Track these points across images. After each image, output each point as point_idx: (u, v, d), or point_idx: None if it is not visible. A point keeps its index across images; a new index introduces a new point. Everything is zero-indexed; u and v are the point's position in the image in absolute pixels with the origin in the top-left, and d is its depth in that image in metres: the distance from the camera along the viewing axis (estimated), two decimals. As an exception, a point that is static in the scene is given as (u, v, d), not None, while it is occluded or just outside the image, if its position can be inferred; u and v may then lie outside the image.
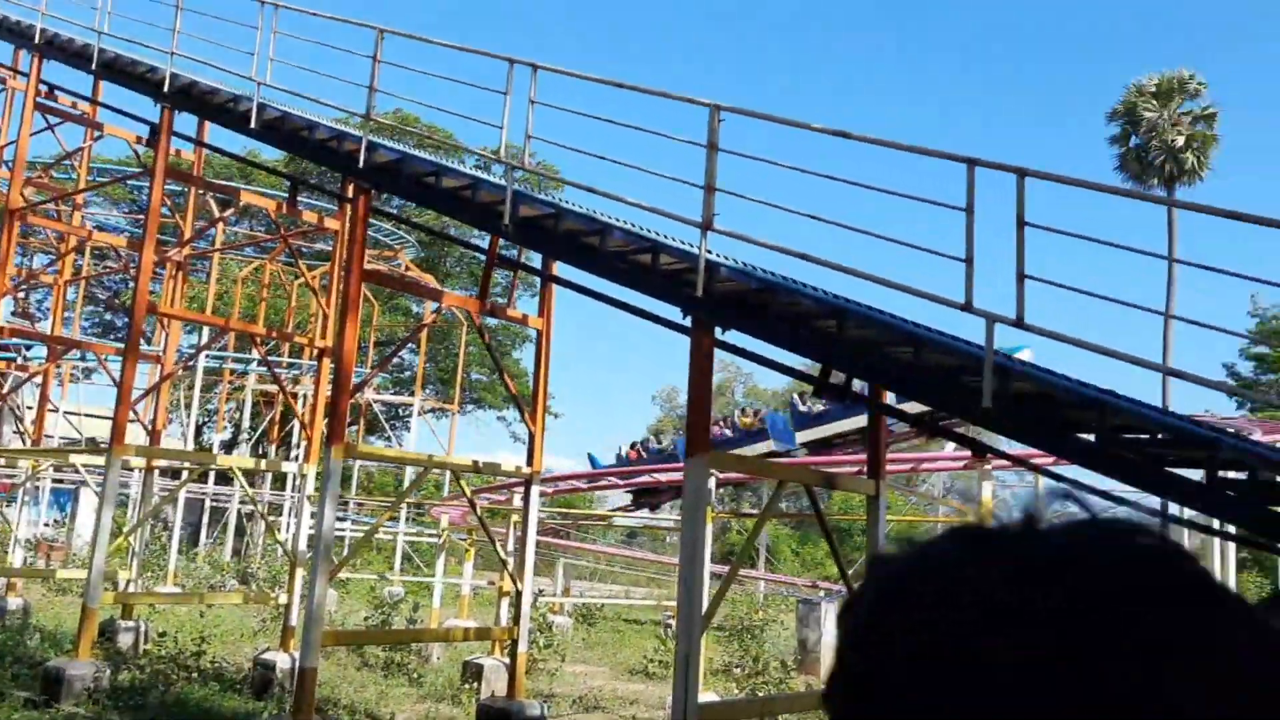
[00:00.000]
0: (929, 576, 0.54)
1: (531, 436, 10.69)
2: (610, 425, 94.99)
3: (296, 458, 27.77)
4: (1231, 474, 6.35)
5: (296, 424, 29.21)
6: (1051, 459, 7.75)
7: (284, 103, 10.90)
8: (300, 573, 12.35)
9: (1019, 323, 5.94)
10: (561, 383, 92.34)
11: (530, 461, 10.61)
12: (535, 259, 11.30)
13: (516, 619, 10.40)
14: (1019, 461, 8.26)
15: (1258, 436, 13.21)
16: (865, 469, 9.03)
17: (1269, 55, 65.57)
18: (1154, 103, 31.49)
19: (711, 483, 15.04)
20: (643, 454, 22.58)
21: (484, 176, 9.46)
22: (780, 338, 7.22)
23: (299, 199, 13.71)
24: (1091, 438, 5.86)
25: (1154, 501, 7.06)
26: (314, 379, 14.67)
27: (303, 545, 12.52)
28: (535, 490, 10.57)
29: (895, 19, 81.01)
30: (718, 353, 7.67)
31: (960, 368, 6.49)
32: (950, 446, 15.97)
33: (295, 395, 26.41)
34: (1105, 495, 7.39)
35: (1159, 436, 6.02)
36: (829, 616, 14.92)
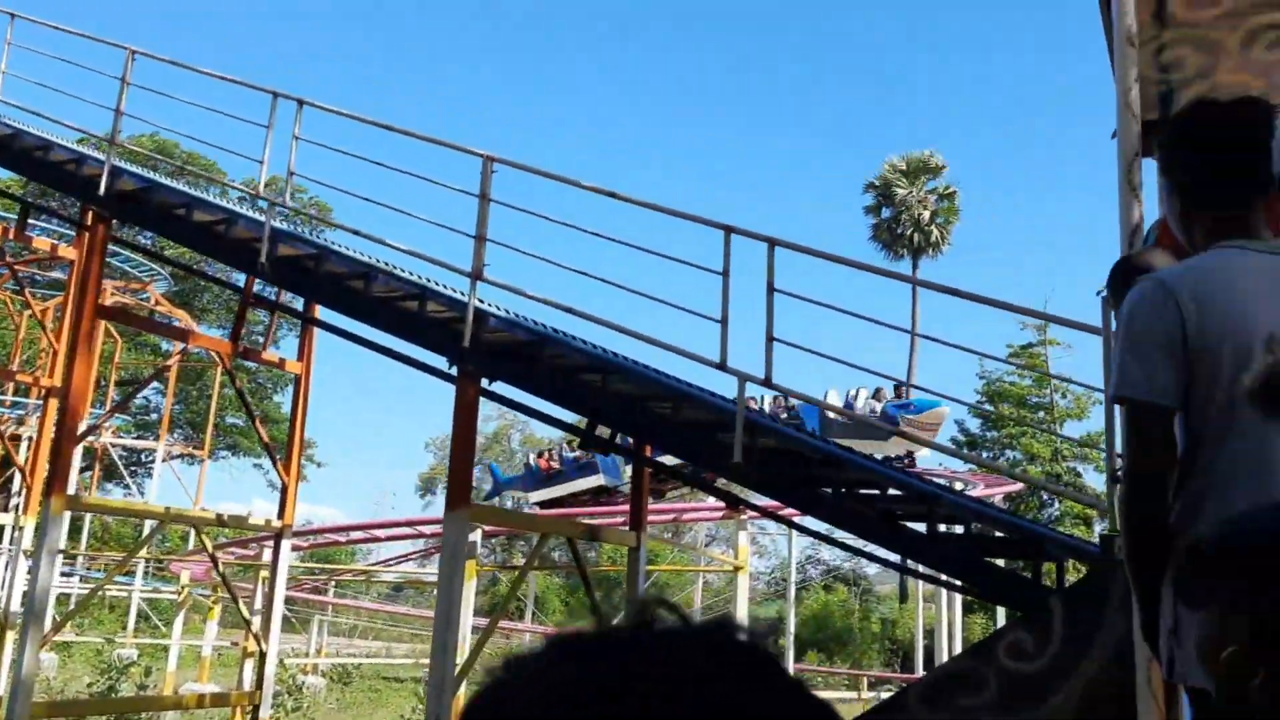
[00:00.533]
0: (525, 686, 0.55)
1: (285, 487, 10.15)
2: (381, 472, 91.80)
3: (16, 507, 24.95)
4: (956, 528, 6.95)
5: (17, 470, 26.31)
6: (796, 512, 8.17)
7: (19, 120, 9.97)
8: (10, 635, 11.04)
9: (766, 382, 6.27)
10: (329, 429, 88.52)
11: (281, 514, 10.06)
12: (300, 300, 10.84)
13: (260, 682, 9.74)
14: (767, 514, 8.67)
15: (978, 491, 14.57)
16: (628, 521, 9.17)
17: (999, 140, 73.71)
18: (904, 179, 34.62)
19: (479, 534, 14.81)
20: (553, 464, 20.45)
21: (241, 211, 8.99)
22: (547, 390, 7.25)
23: (30, 223, 12.51)
24: (829, 491, 6.24)
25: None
26: (39, 421, 13.29)
27: (17, 605, 11.21)
28: (286, 545, 10.01)
29: (680, 81, 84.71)
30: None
31: (716, 423, 6.75)
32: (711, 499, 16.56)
33: (17, 438, 23.85)
34: (846, 547, 7.89)
35: (889, 492, 6.49)
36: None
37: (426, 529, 19.04)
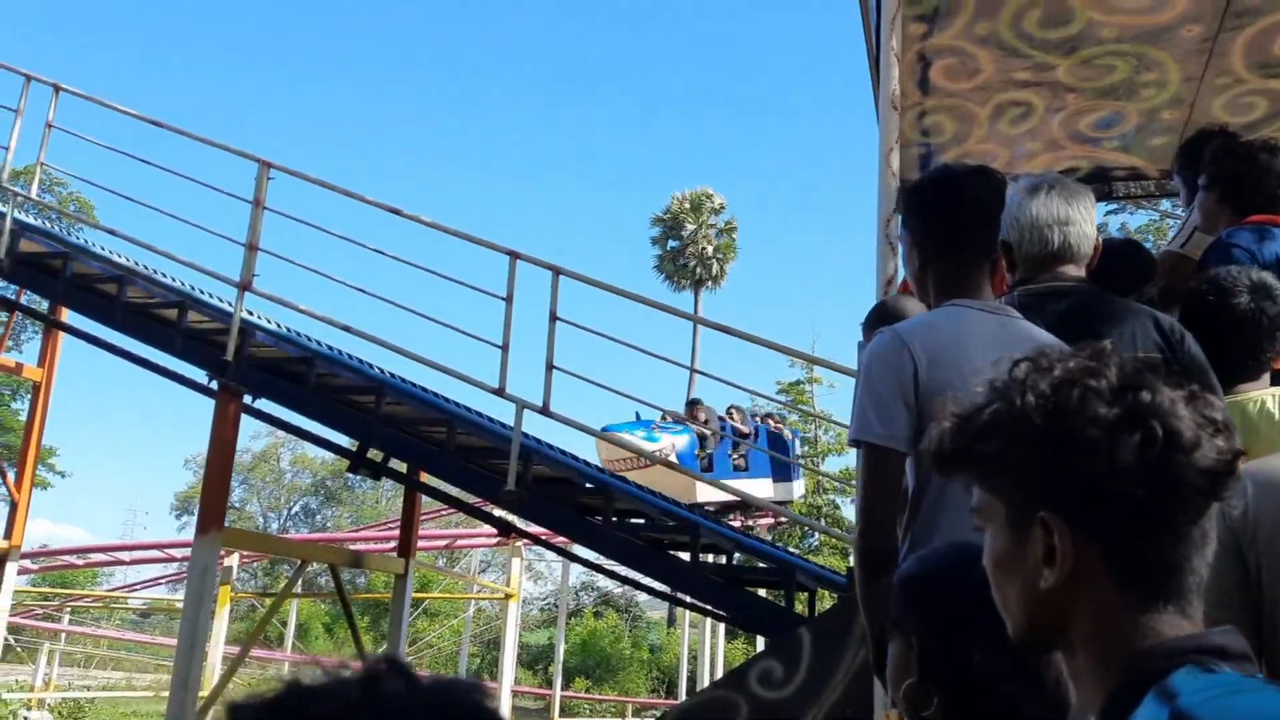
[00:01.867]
0: None
1: (14, 505, 9.21)
2: (132, 490, 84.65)
3: None
4: (719, 557, 7.23)
5: None
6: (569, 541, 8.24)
7: None
8: None
9: (545, 410, 6.31)
10: (76, 437, 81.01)
11: (9, 534, 9.12)
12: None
13: (-30, 722, 8.75)
14: (539, 541, 8.69)
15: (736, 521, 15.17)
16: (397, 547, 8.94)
17: (776, 182, 78.05)
18: (691, 214, 35.97)
19: (235, 559, 13.96)
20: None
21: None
22: (315, 410, 6.98)
23: None
24: (599, 520, 6.34)
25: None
26: None
27: None
28: (12, 568, 9.07)
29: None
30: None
31: (491, 449, 6.72)
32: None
33: None
34: (616, 576, 8.02)
35: (656, 520, 6.68)
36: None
37: (178, 552, 17.74)
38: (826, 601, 8.02)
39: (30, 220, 8.09)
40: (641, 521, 6.52)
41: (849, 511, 33.07)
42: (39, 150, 7.73)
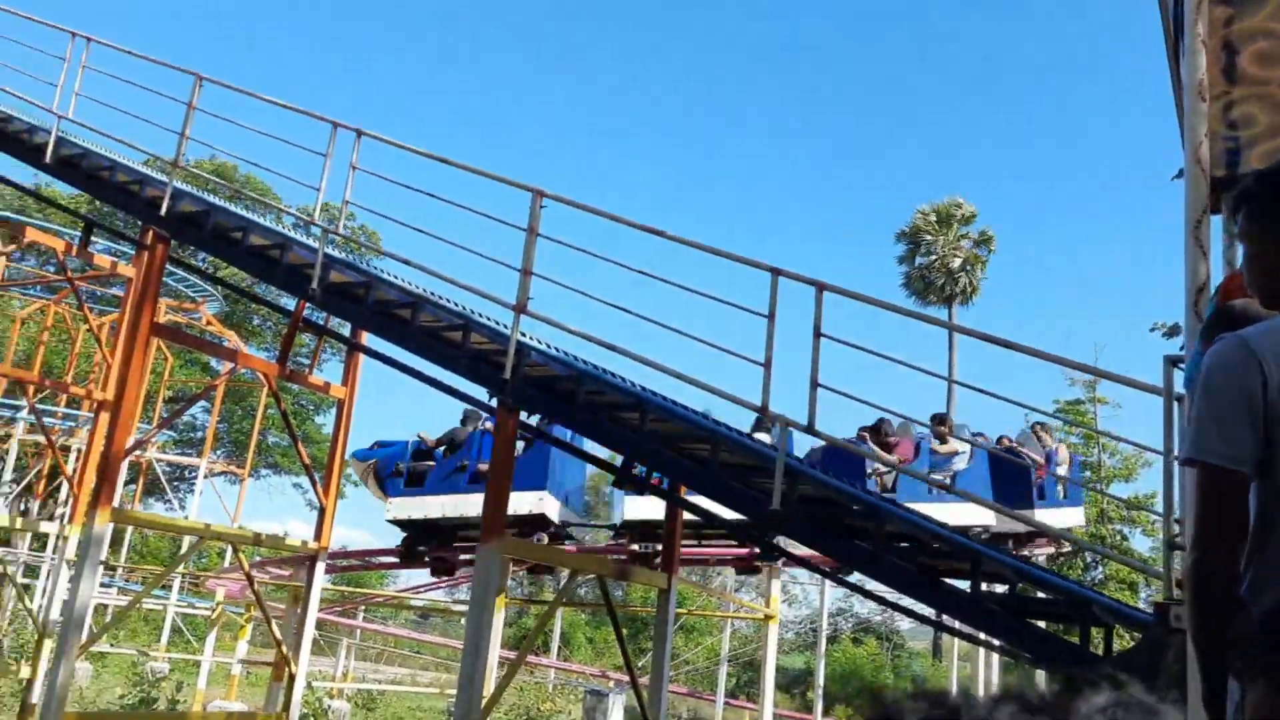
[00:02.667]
0: None
1: (322, 510, 10.22)
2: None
3: (61, 517, 25.37)
4: (998, 586, 6.80)
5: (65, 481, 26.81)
6: (832, 563, 8.05)
7: (87, 140, 10.27)
8: (49, 644, 11.18)
9: (810, 428, 6.21)
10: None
11: (318, 536, 10.12)
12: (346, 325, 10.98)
13: (288, 704, 9.75)
14: (802, 563, 8.55)
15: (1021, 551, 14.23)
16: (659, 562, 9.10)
17: (1026, 188, 73.39)
18: (936, 227, 34.53)
19: (507, 568, 14.72)
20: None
21: (295, 237, 9.16)
22: (584, 426, 7.26)
23: (93, 241, 12.83)
24: (868, 544, 6.14)
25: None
26: (89, 433, 13.54)
27: (58, 613, 11.36)
28: (321, 567, 10.06)
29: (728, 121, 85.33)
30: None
31: (753, 468, 6.70)
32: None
33: (67, 449, 24.31)
34: (883, 601, 7.75)
35: (934, 546, 6.37)
36: (616, 708, 14.78)
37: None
38: (1125, 640, 7.34)
39: (334, 253, 8.99)
40: (910, 545, 6.25)
41: (1140, 544, 30.29)
42: (344, 189, 8.56)
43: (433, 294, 8.42)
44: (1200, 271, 4.00)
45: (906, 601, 6.93)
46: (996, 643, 6.55)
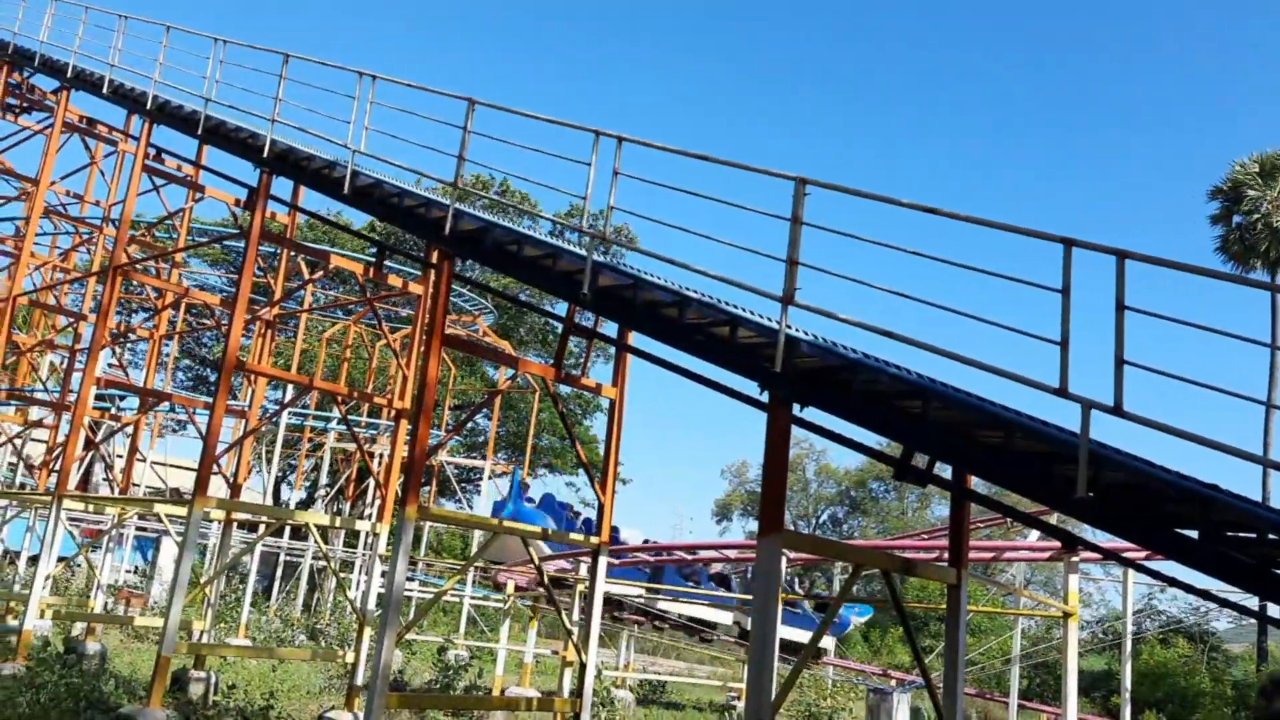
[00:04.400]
0: None
1: (601, 507, 10.58)
2: (677, 494, 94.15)
3: (370, 516, 28.04)
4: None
5: (371, 482, 29.60)
6: (1144, 554, 7.35)
7: (375, 169, 11.24)
8: (368, 631, 12.34)
9: (1117, 409, 5.67)
10: (629, 450, 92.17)
11: (598, 531, 10.49)
12: (611, 328, 11.33)
13: (579, 691, 10.18)
14: (1109, 555, 7.86)
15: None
16: (947, 556, 8.69)
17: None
18: (1259, 181, 30.60)
19: (783, 563, 14.67)
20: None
21: (564, 246, 9.54)
22: (861, 417, 7.03)
23: (385, 263, 14.04)
24: (1193, 533, 5.53)
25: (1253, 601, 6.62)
26: (390, 439, 14.81)
27: (372, 604, 12.53)
28: (603, 560, 10.42)
29: (988, 82, 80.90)
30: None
31: (1052, 455, 6.21)
32: (1034, 536, 15.35)
33: (372, 454, 26.77)
34: (1204, 594, 6.97)
35: (1269, 536, 5.65)
36: (901, 707, 14.31)
37: (731, 553, 19.16)
38: None
39: (601, 259, 9.28)
40: (1252, 536, 5.55)
41: None
42: (609, 194, 8.81)
43: (697, 292, 8.48)
44: None
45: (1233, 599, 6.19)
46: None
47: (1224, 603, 6.68)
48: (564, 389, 27.98)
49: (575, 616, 13.63)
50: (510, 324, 41.41)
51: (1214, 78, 70.99)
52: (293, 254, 16.21)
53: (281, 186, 13.30)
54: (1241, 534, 5.66)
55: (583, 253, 8.80)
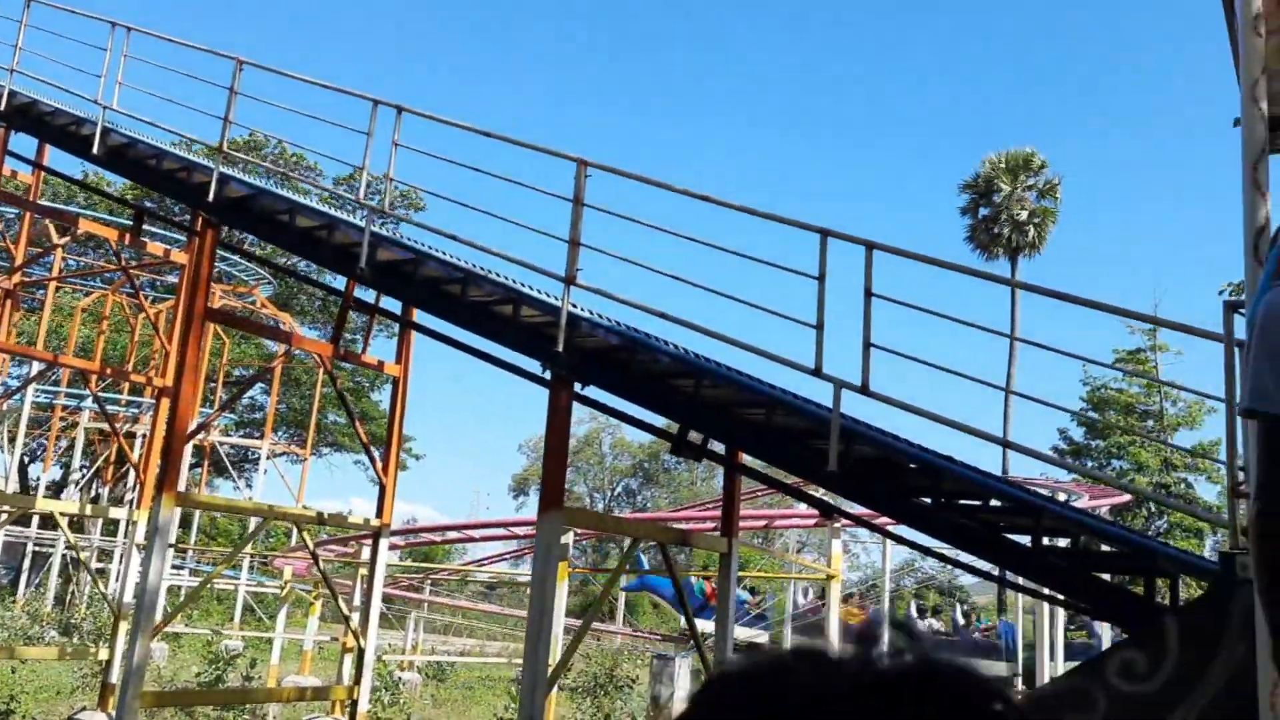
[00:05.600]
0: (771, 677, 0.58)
1: (382, 488, 10.35)
2: (474, 472, 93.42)
3: (130, 502, 26.12)
4: (1060, 540, 6.68)
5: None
6: (892, 521, 7.96)
7: (132, 129, 10.41)
8: (124, 626, 11.53)
9: (864, 389, 6.12)
10: (425, 426, 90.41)
11: (380, 513, 10.26)
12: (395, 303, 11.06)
13: (359, 677, 9.96)
14: (862, 522, 8.49)
15: (1083, 502, 14.03)
16: (719, 526, 9.09)
17: (1103, 134, 71.39)
18: (1005, 177, 33.50)
19: (570, 536, 14.88)
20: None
21: (341, 216, 9.21)
22: (639, 395, 7.23)
23: (145, 229, 13.06)
24: (928, 502, 6.06)
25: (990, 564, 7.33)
26: (152, 419, 13.86)
27: (129, 596, 11.71)
28: (385, 543, 10.21)
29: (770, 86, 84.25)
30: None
31: (809, 430, 6.63)
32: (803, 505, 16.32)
33: (132, 435, 24.95)
34: (943, 558, 7.67)
35: (992, 503, 6.27)
36: (682, 670, 14.90)
37: (519, 530, 19.23)
38: (1193, 589, 7.18)
39: (382, 231, 9.02)
40: (977, 504, 6.14)
41: (1206, 491, 29.66)
42: (388, 166, 8.57)
43: (481, 268, 8.42)
44: (1260, 213, 3.84)
45: (970, 558, 6.84)
46: (1060, 596, 6.44)
47: (956, 563, 7.37)
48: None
49: (356, 600, 13.28)
50: (290, 295, 39.50)
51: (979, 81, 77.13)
52: (37, 217, 14.78)
53: (24, 144, 12.11)
54: (969, 502, 6.26)
55: (361, 224, 8.54)
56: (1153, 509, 28.75)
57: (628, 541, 8.59)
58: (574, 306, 7.49)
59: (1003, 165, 33.72)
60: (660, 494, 64.39)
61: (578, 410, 8.23)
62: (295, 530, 19.37)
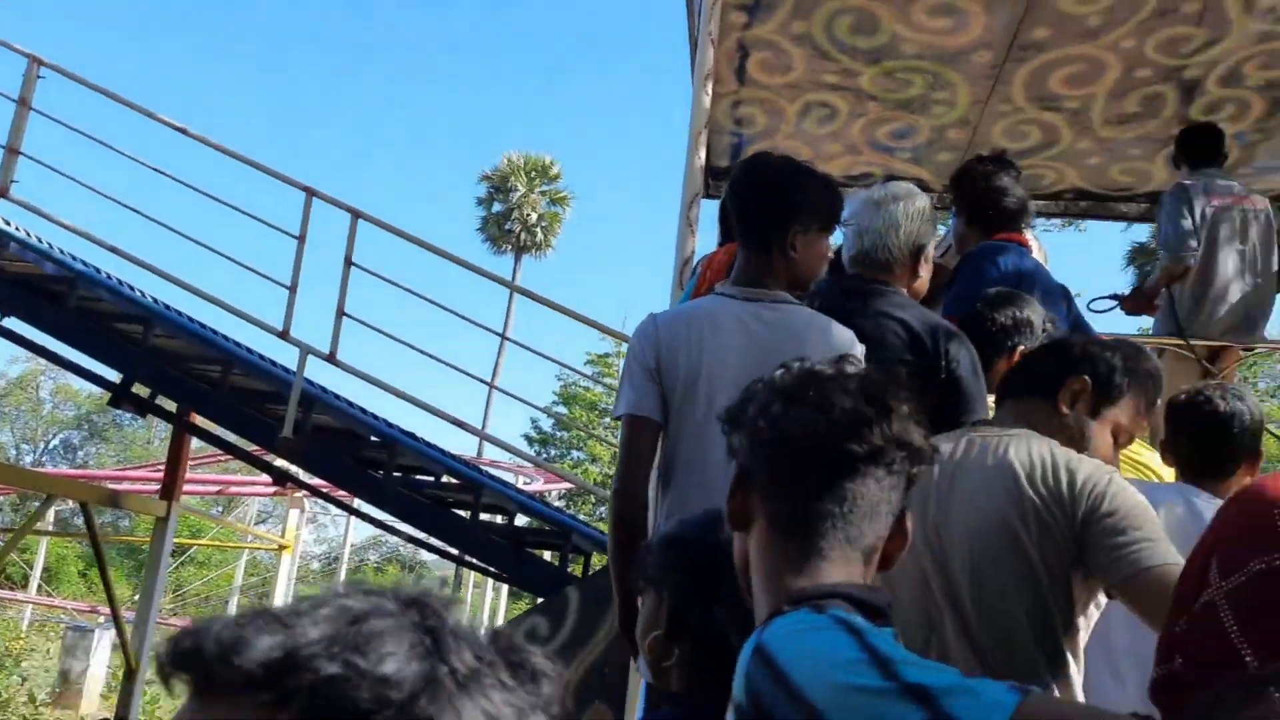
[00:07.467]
0: None
1: None
2: None
3: None
4: (497, 518, 7.21)
5: None
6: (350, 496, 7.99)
7: None
8: None
9: (331, 357, 6.08)
10: None
11: None
12: None
13: None
14: (318, 494, 8.38)
15: (537, 485, 15.24)
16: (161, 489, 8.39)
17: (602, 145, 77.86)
18: (522, 177, 35.23)
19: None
20: None
21: None
22: (72, 335, 6.41)
23: None
24: (380, 475, 6.18)
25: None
26: None
27: None
28: None
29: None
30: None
31: (269, 394, 6.41)
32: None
33: None
34: (395, 532, 7.85)
35: (444, 479, 6.58)
36: (101, 645, 13.46)
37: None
38: (602, 564, 8.15)
39: None
40: (430, 479, 6.40)
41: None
42: None
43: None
44: (688, 246, 4.53)
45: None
46: (494, 570, 6.95)
47: (406, 536, 7.59)
48: None
49: None
50: None
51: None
52: None
53: None
54: (423, 477, 6.51)
55: None
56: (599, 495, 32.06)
57: (42, 499, 7.57)
58: (6, 223, 6.46)
59: (522, 166, 35.47)
60: (108, 451, 57.70)
61: (9, 348, 7.08)
62: None
